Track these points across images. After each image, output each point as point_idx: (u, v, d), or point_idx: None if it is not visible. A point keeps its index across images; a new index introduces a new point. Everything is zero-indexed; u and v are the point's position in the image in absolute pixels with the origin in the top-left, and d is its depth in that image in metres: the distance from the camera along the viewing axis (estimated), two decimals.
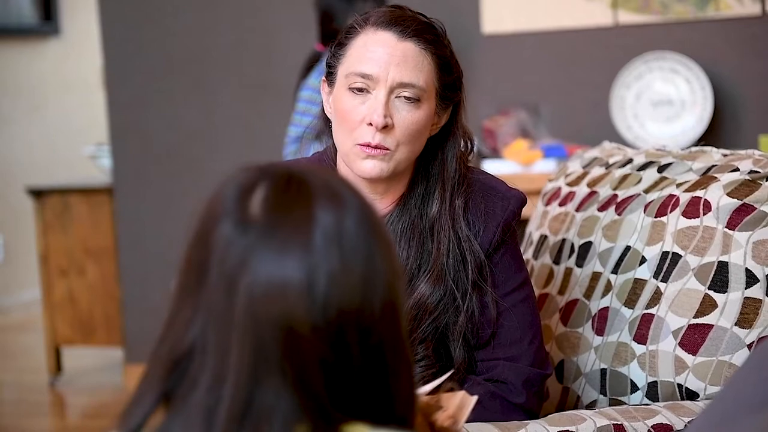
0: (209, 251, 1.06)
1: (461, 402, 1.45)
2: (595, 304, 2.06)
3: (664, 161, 2.14)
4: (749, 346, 1.91)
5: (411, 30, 1.80)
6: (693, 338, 1.93)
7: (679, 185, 2.04)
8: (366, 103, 1.80)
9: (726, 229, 1.95)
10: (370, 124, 1.78)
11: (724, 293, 1.92)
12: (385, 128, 1.79)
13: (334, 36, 4.11)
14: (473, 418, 1.62)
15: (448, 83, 1.84)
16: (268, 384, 1.02)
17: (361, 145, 1.80)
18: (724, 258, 1.94)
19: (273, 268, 1.03)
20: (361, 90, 1.80)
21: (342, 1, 3.89)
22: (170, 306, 1.08)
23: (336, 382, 1.04)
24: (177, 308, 1.07)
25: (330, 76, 1.86)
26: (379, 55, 1.79)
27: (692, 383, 1.92)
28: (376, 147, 1.79)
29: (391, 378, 1.08)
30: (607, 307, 2.04)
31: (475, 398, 1.47)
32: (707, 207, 1.97)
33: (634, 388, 1.98)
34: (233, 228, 1.05)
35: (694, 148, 2.18)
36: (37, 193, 5.25)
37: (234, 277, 1.04)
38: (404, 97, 1.79)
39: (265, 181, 1.07)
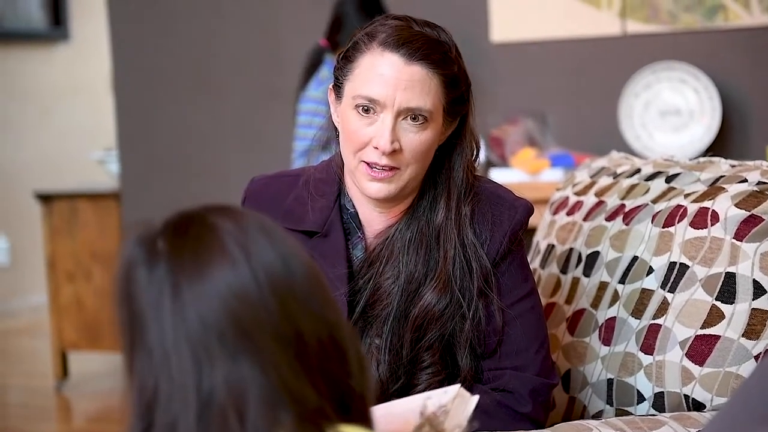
0: (132, 303, 1.11)
1: (461, 403, 1.45)
2: (602, 314, 2.06)
3: (672, 171, 2.14)
4: (756, 357, 1.91)
5: (418, 53, 1.78)
6: (700, 349, 1.92)
7: (686, 196, 2.04)
8: (373, 125, 1.79)
9: (734, 240, 1.94)
10: (377, 147, 1.78)
11: (731, 304, 1.92)
12: (393, 152, 1.78)
13: (336, 46, 4.09)
14: (479, 427, 1.62)
15: (456, 97, 1.83)
16: (223, 369, 1.07)
17: (367, 163, 1.80)
18: (731, 269, 1.93)
19: (195, 282, 1.09)
20: (367, 111, 1.80)
21: (358, 19, 3.88)
22: (125, 374, 1.14)
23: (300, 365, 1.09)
24: (130, 369, 1.12)
25: (337, 89, 1.86)
26: (386, 79, 1.78)
27: (699, 394, 1.92)
28: (383, 167, 1.79)
29: (341, 359, 1.13)
30: (614, 317, 2.04)
31: (476, 398, 1.48)
32: (715, 218, 1.97)
33: (641, 398, 1.97)
34: (146, 269, 1.11)
35: (702, 159, 2.18)
36: (45, 198, 5.26)
37: (160, 305, 1.09)
38: (411, 118, 1.79)
39: (162, 228, 1.14)
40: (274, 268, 1.11)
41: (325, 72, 3.90)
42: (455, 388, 1.50)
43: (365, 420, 1.14)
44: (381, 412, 1.56)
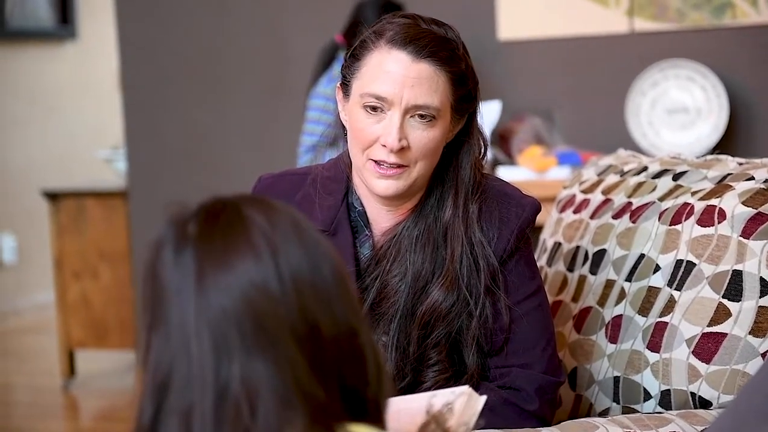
0: (156, 282, 1.12)
1: (469, 402, 1.45)
2: (609, 312, 2.06)
3: (679, 169, 2.14)
4: (763, 355, 1.91)
5: (426, 50, 1.78)
6: (707, 347, 1.92)
7: (693, 193, 2.04)
8: (381, 122, 1.79)
9: (740, 238, 1.94)
10: (385, 145, 1.78)
11: (738, 302, 1.92)
12: (401, 150, 1.78)
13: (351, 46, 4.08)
14: (485, 425, 1.62)
15: (463, 95, 1.83)
16: (240, 364, 1.07)
17: (375, 161, 1.80)
18: (738, 267, 1.93)
19: (220, 271, 1.09)
20: (375, 109, 1.80)
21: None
22: (142, 348, 1.14)
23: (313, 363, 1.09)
24: (147, 347, 1.13)
25: (345, 87, 1.86)
26: (394, 76, 1.78)
27: (705, 392, 1.92)
28: (391, 165, 1.79)
29: (357, 357, 1.13)
30: (621, 315, 2.04)
31: (483, 398, 1.48)
32: (722, 215, 1.97)
33: (647, 396, 1.97)
34: (174, 251, 1.11)
35: (709, 157, 2.17)
36: (52, 196, 5.27)
37: (184, 289, 1.10)
38: (419, 116, 1.79)
39: (195, 212, 1.14)
40: (299, 266, 1.11)
41: (338, 69, 3.90)
42: (463, 389, 1.50)
43: (378, 425, 1.14)
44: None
